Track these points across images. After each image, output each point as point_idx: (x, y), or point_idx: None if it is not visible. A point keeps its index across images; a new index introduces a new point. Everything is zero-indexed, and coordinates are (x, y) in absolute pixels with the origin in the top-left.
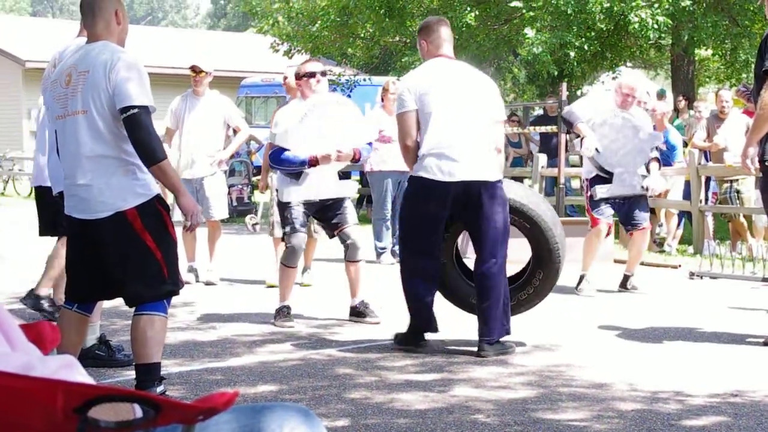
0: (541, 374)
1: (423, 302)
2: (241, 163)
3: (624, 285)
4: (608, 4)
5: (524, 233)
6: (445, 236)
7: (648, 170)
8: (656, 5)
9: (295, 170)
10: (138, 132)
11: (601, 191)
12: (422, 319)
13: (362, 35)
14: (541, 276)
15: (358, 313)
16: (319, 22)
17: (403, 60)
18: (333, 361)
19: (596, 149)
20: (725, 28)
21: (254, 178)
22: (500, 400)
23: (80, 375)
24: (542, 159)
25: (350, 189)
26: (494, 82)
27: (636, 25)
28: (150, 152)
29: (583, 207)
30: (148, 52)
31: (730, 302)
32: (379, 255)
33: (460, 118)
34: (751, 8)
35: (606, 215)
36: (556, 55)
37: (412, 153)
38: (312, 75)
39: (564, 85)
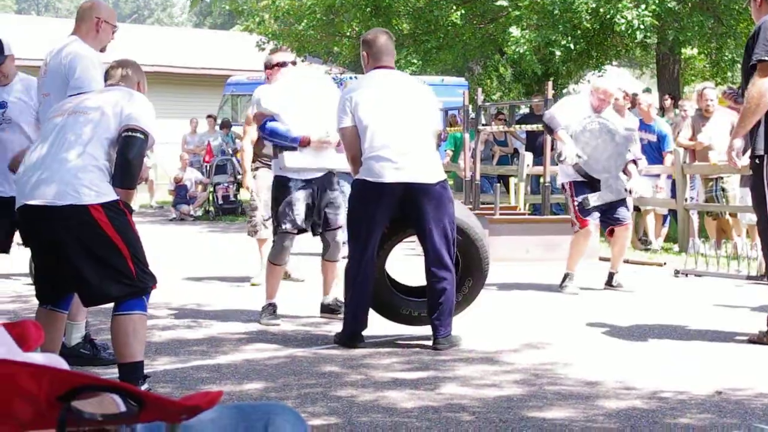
0: (527, 372)
1: (362, 306)
2: (228, 160)
3: (609, 283)
4: (594, 5)
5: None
6: (379, 252)
7: (626, 172)
8: (642, 6)
9: (285, 145)
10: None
11: (593, 200)
12: (360, 322)
13: (348, 34)
14: (470, 283)
15: (330, 310)
16: (305, 20)
17: None
18: (319, 359)
19: (578, 156)
20: (711, 27)
21: (239, 176)
22: (486, 398)
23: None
24: (528, 157)
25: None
26: (480, 80)
27: (622, 25)
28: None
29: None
30: (134, 50)
31: (715, 300)
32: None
33: (397, 123)
34: (737, 8)
35: (594, 217)
36: (541, 53)
37: (355, 163)
38: (284, 65)
39: (550, 84)
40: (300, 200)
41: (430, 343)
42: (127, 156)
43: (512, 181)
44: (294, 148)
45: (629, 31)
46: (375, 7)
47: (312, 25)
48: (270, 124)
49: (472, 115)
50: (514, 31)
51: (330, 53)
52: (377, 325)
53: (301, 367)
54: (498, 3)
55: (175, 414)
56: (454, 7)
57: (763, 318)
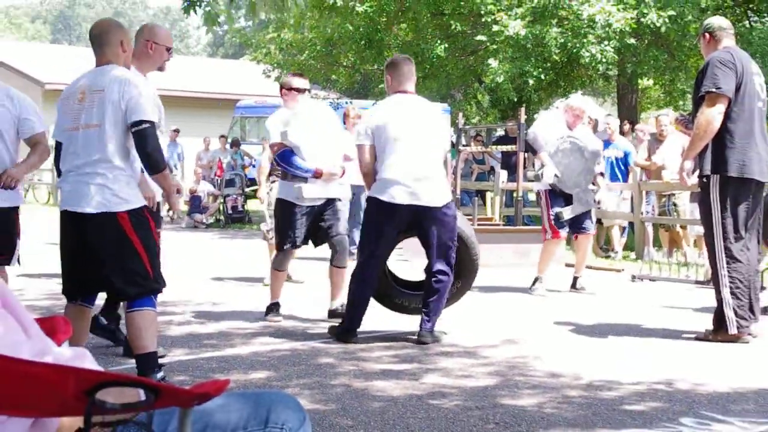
0: (501, 365)
1: (362, 307)
2: (237, 175)
3: (574, 286)
4: (563, 40)
5: None
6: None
7: (595, 183)
8: (605, 42)
9: (299, 175)
10: (146, 144)
11: (567, 213)
12: (357, 320)
13: (345, 63)
14: (459, 285)
15: (337, 314)
16: (306, 51)
17: (380, 86)
18: (317, 352)
19: (555, 176)
20: (664, 61)
21: (247, 189)
22: (464, 387)
23: (90, 364)
24: (503, 174)
25: (347, 191)
26: (461, 106)
27: (587, 59)
28: (154, 163)
29: (537, 216)
30: (156, 76)
31: (667, 302)
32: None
33: (412, 148)
34: (687, 45)
35: (566, 227)
36: (516, 83)
37: (368, 177)
38: (301, 91)
39: (522, 110)
40: (302, 224)
41: (416, 337)
42: (146, 150)
43: (489, 195)
44: (306, 179)
45: (593, 64)
46: (369, 40)
47: (312, 55)
48: (292, 159)
49: (454, 137)
50: (492, 62)
51: (328, 80)
52: (370, 321)
53: (300, 359)
54: (478, 38)
55: (187, 401)
56: (439, 42)
57: (709, 318)
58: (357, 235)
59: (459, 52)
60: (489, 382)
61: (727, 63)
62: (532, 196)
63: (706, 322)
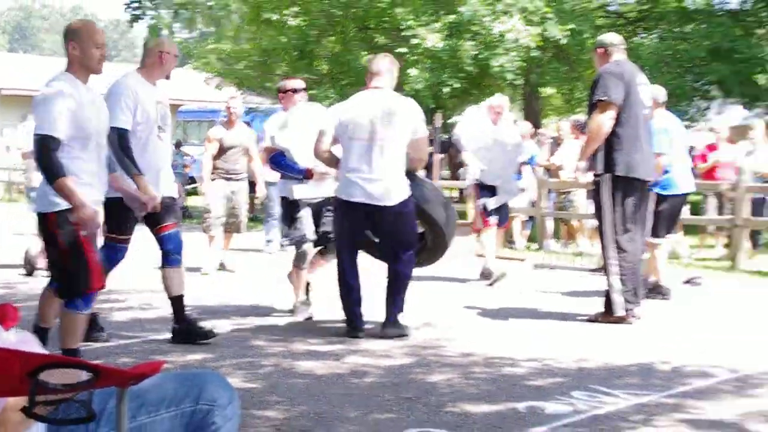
0: (417, 346)
1: (353, 302)
2: (178, 174)
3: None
4: (475, 52)
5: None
6: None
7: (519, 172)
8: (513, 54)
9: (292, 176)
10: (37, 155)
11: (491, 204)
12: (354, 314)
13: (278, 72)
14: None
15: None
16: (243, 61)
17: (311, 92)
18: (249, 335)
19: (481, 170)
20: (565, 72)
21: (188, 186)
22: (383, 365)
23: (35, 348)
24: (421, 174)
25: None
26: None
27: (496, 69)
28: (45, 174)
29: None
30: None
31: (564, 288)
32: (266, 245)
33: (369, 147)
34: (585, 58)
35: (494, 217)
36: (433, 90)
37: (321, 159)
38: (297, 91)
39: (439, 115)
40: (307, 216)
41: (342, 325)
42: (38, 161)
43: None
44: (299, 180)
45: (502, 74)
46: (300, 51)
47: (249, 65)
48: (282, 160)
49: None
50: (412, 72)
51: (263, 88)
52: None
53: (234, 342)
54: (399, 50)
55: (124, 380)
56: (364, 53)
57: (600, 302)
58: (270, 228)
59: None
60: (405, 361)
61: (617, 74)
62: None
63: (598, 306)
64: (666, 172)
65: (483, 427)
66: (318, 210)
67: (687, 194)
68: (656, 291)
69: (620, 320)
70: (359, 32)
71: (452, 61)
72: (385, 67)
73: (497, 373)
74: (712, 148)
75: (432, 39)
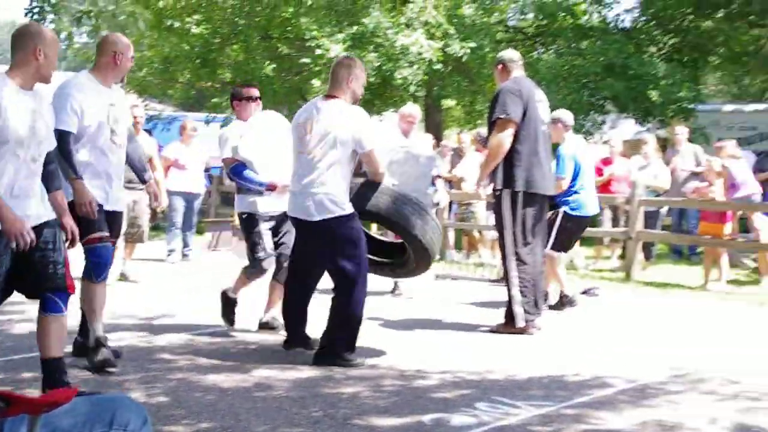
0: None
1: (293, 318)
2: None
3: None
4: (378, 63)
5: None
6: None
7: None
8: (415, 66)
9: (253, 189)
10: None
11: None
12: (291, 331)
13: (181, 80)
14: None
15: (268, 326)
16: (145, 68)
17: (213, 100)
18: (155, 348)
19: (393, 184)
20: (465, 86)
21: None
22: (290, 378)
23: None
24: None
25: None
26: (287, 120)
27: (399, 81)
28: None
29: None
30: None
31: (466, 299)
32: (168, 255)
33: (305, 159)
34: (485, 72)
35: None
36: None
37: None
38: (254, 99)
39: None
40: (267, 232)
41: (250, 335)
42: None
43: None
44: (261, 193)
45: (404, 86)
46: (203, 59)
47: (151, 72)
48: (244, 173)
49: None
50: (316, 82)
51: (165, 95)
52: (209, 317)
53: (138, 355)
54: (302, 60)
55: (36, 408)
56: (267, 62)
57: (501, 313)
58: (172, 238)
59: (285, 72)
60: (312, 374)
61: (515, 92)
62: None
63: (499, 317)
64: (576, 193)
65: None
66: (279, 223)
67: (592, 216)
68: (564, 302)
69: (521, 331)
70: (262, 41)
71: None
72: (344, 74)
73: (403, 386)
74: (606, 162)
75: (335, 49)
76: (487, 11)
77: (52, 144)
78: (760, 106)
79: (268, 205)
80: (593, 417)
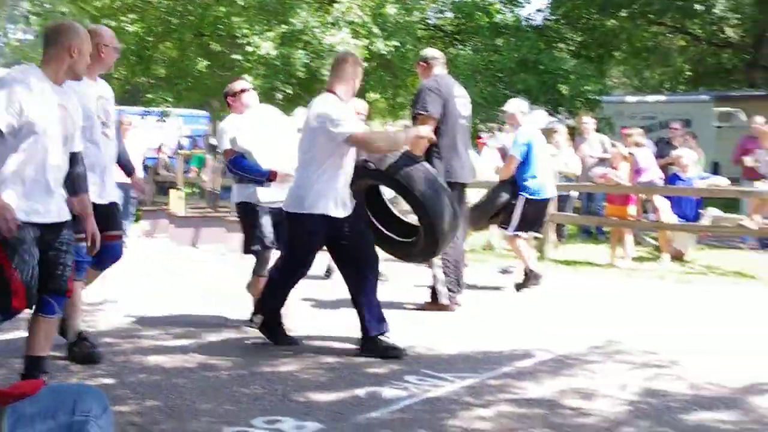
0: (263, 338)
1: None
2: None
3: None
4: (306, 60)
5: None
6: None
7: None
8: None
9: (255, 178)
10: None
11: None
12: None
13: (116, 76)
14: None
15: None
16: None
17: (147, 96)
18: (97, 331)
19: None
20: (389, 80)
21: None
22: (231, 357)
23: None
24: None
25: None
26: (218, 114)
27: (325, 77)
28: None
29: None
30: None
31: (394, 279)
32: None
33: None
34: (407, 67)
35: None
36: (267, 96)
37: None
38: (246, 90)
39: None
40: (268, 222)
41: (192, 318)
42: None
43: None
44: (262, 182)
45: None
46: (138, 56)
47: None
48: (244, 163)
49: (214, 141)
50: (247, 78)
51: None
52: (140, 302)
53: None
54: (234, 57)
55: (4, 399)
56: (200, 59)
57: (427, 292)
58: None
59: (218, 68)
60: (252, 354)
61: (435, 90)
62: None
63: (425, 296)
64: (533, 178)
65: (327, 414)
66: (278, 214)
67: (550, 199)
68: (529, 277)
69: (445, 308)
70: (195, 39)
71: (285, 68)
72: (340, 69)
73: (338, 362)
74: None
75: (266, 47)
76: (408, 10)
77: (78, 145)
78: (660, 98)
79: (269, 194)
80: (515, 387)
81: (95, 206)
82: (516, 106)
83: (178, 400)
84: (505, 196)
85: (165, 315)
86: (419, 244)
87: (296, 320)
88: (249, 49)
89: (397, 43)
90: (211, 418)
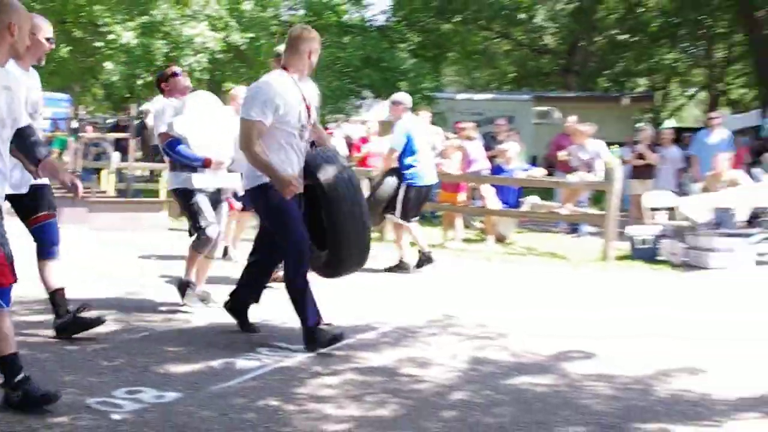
0: (125, 313)
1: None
2: None
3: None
4: (167, 50)
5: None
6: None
7: None
8: (200, 55)
9: (189, 164)
10: None
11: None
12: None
13: None
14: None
15: (203, 300)
16: None
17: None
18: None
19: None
20: (244, 71)
21: None
22: (93, 333)
23: None
24: (116, 156)
25: (237, 181)
26: (79, 97)
27: (186, 67)
28: None
29: (145, 190)
30: None
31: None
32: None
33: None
34: (260, 59)
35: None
36: (128, 82)
37: None
38: (177, 74)
39: (135, 105)
40: (205, 200)
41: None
42: None
43: (104, 173)
44: (195, 169)
45: (191, 72)
46: None
47: None
48: (179, 148)
49: (75, 124)
50: (109, 65)
51: None
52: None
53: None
54: (96, 44)
55: None
56: (63, 45)
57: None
58: None
59: (80, 54)
60: (113, 327)
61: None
62: (138, 172)
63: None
64: (413, 166)
65: (185, 384)
66: (213, 200)
67: (431, 185)
68: (399, 267)
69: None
70: (58, 25)
71: (145, 56)
72: (289, 44)
73: (193, 336)
74: (364, 140)
75: (127, 36)
76: (263, 7)
77: (24, 121)
78: (487, 96)
79: (203, 181)
80: (359, 357)
81: (26, 194)
82: (404, 98)
83: (41, 372)
84: (390, 186)
85: (31, 293)
86: (323, 258)
87: (163, 296)
88: (111, 37)
89: (251, 35)
90: (75, 389)
